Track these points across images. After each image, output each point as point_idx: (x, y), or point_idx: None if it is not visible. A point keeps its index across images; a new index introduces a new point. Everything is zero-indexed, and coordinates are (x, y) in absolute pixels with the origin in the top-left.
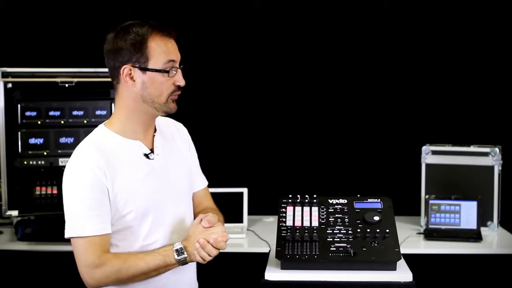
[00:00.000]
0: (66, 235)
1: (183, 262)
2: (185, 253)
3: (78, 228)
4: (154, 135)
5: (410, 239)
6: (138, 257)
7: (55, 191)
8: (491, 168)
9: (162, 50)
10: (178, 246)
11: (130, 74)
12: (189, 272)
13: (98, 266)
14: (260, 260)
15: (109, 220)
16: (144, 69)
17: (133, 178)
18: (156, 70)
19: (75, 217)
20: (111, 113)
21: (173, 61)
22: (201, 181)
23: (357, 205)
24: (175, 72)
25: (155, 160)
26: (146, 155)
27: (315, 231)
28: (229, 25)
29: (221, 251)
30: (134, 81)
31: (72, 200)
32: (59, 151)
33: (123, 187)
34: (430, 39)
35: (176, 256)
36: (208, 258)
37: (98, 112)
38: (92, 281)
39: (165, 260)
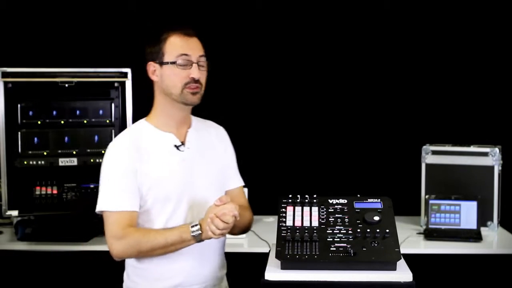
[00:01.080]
0: (97, 209)
1: (198, 239)
2: (199, 229)
3: (107, 202)
4: (188, 130)
5: (410, 239)
6: (158, 232)
7: (55, 191)
8: (491, 168)
9: (176, 45)
10: (194, 223)
11: (154, 70)
12: (210, 264)
13: (121, 238)
14: (260, 260)
15: (136, 199)
16: (161, 63)
17: (160, 166)
18: (169, 63)
19: (106, 193)
20: (110, 113)
21: (185, 55)
22: (236, 181)
23: (357, 205)
24: (185, 64)
25: (185, 152)
26: (177, 147)
27: (315, 231)
28: (229, 25)
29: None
30: (157, 76)
31: (105, 178)
32: (59, 151)
33: (149, 173)
34: (430, 39)
35: (191, 232)
36: (217, 232)
37: (98, 112)
38: (116, 251)
39: (182, 236)
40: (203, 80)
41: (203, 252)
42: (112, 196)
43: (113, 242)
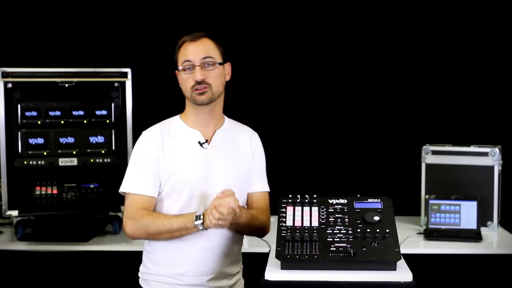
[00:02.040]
0: (120, 190)
1: (201, 228)
2: (202, 219)
3: (128, 184)
4: (216, 130)
5: (410, 239)
6: (166, 217)
7: (55, 191)
8: (491, 168)
9: (182, 52)
10: (198, 213)
11: (178, 78)
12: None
13: (134, 218)
14: (260, 260)
15: (155, 185)
16: (177, 71)
17: (181, 159)
18: (179, 70)
19: (128, 175)
20: (110, 113)
21: (188, 60)
22: (260, 185)
23: (357, 205)
24: (190, 69)
25: (208, 150)
26: (200, 144)
27: (315, 231)
28: (229, 25)
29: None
30: (179, 82)
31: (130, 162)
32: (59, 151)
33: (170, 163)
34: (430, 39)
35: (194, 221)
36: (213, 221)
37: (98, 112)
38: (128, 230)
39: (186, 223)
40: (210, 80)
41: (213, 245)
42: (133, 179)
43: (127, 222)
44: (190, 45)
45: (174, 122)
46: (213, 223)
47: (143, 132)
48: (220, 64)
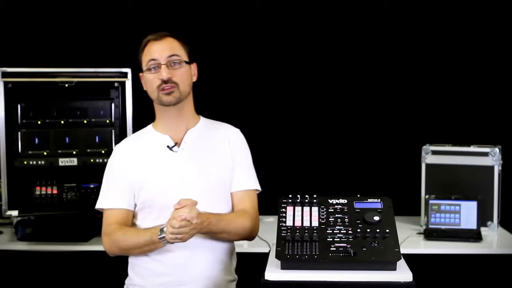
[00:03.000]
0: (96, 207)
1: (165, 242)
2: (164, 231)
3: (101, 201)
4: (186, 132)
5: (410, 239)
6: (134, 232)
7: (55, 191)
8: (491, 168)
9: (146, 53)
10: (163, 226)
11: (142, 80)
12: (200, 267)
13: (107, 234)
14: (260, 260)
15: (128, 198)
16: (142, 72)
17: (151, 168)
18: (143, 71)
19: (102, 192)
20: (110, 113)
21: (153, 60)
22: (242, 184)
23: (357, 205)
24: (155, 69)
25: (179, 153)
26: (170, 148)
27: (315, 231)
28: (229, 25)
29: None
30: (144, 84)
31: (104, 179)
32: (59, 151)
33: (141, 174)
34: (430, 39)
35: (158, 235)
36: (169, 236)
37: (98, 112)
38: (104, 246)
39: (152, 238)
40: (177, 78)
41: (191, 252)
42: (106, 195)
43: (103, 238)
44: (155, 44)
45: (145, 132)
46: (170, 238)
47: (115, 146)
48: (186, 63)
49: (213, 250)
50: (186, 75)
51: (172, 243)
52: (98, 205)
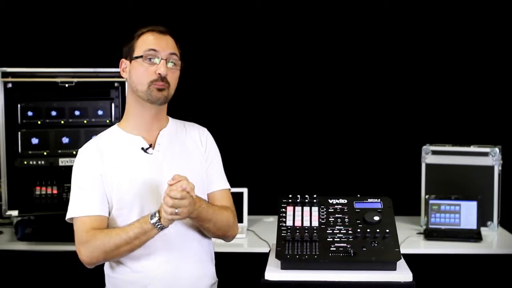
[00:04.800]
0: (66, 217)
1: (160, 227)
2: (157, 215)
3: (71, 210)
4: (159, 132)
5: (410, 239)
6: (120, 229)
7: (55, 191)
8: (491, 168)
9: (145, 41)
10: (153, 211)
11: (125, 67)
12: (189, 265)
13: (86, 242)
14: (260, 260)
15: (102, 203)
16: (130, 59)
17: (126, 171)
18: (136, 58)
19: (72, 200)
20: (110, 113)
21: (153, 50)
22: (219, 183)
23: (357, 205)
24: (153, 60)
25: (154, 155)
26: (144, 150)
27: (315, 231)
28: (229, 25)
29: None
30: (126, 72)
31: (72, 186)
32: (59, 151)
33: (114, 178)
34: (430, 39)
35: (150, 220)
36: (169, 210)
37: (98, 112)
38: (83, 257)
39: (142, 227)
40: (171, 79)
41: (177, 254)
42: (77, 202)
43: (80, 248)
44: (157, 36)
45: (111, 133)
46: (169, 212)
47: (79, 150)
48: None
49: (195, 251)
50: (176, 79)
51: (168, 225)
52: (70, 215)
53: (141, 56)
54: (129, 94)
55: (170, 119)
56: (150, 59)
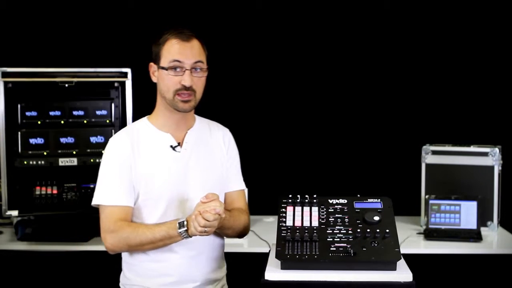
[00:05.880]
0: (92, 202)
1: (185, 236)
2: (185, 226)
3: (102, 196)
4: (187, 132)
5: (410, 239)
6: (147, 227)
7: (55, 191)
8: (491, 168)
9: (171, 50)
10: (181, 220)
11: (154, 71)
12: (202, 266)
13: (112, 231)
14: (260, 260)
15: (130, 194)
16: (158, 67)
17: (154, 165)
18: (162, 68)
19: (101, 186)
20: (111, 113)
21: (177, 61)
22: (236, 184)
23: (357, 205)
24: (177, 70)
25: (181, 153)
26: (173, 147)
27: (315, 231)
28: (229, 25)
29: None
30: (155, 77)
31: (101, 172)
32: (59, 151)
33: (143, 171)
34: (430, 39)
35: (178, 229)
36: (199, 229)
37: (98, 112)
38: (107, 245)
39: (169, 232)
40: (197, 87)
41: (196, 252)
42: (107, 190)
43: (106, 236)
44: (182, 44)
45: (142, 126)
46: (199, 230)
47: (110, 140)
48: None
49: (212, 248)
50: (203, 83)
51: (193, 236)
52: (99, 201)
53: (167, 68)
54: (158, 95)
55: (197, 117)
56: (174, 69)
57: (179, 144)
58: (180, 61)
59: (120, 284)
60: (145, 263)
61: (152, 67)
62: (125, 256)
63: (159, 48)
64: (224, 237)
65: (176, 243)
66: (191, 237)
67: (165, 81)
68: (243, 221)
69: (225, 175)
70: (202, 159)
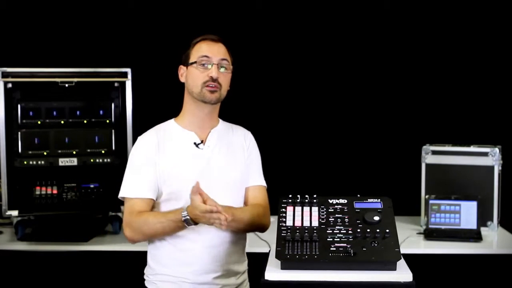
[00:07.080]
0: (119, 195)
1: (187, 222)
2: (187, 215)
3: (125, 190)
4: (210, 131)
5: (410, 239)
6: (155, 216)
7: (55, 191)
8: (491, 168)
9: (199, 49)
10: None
11: (182, 73)
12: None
13: (129, 223)
14: (260, 260)
15: (152, 188)
16: (187, 66)
17: (178, 161)
18: (191, 64)
19: (126, 180)
20: (110, 113)
21: (206, 56)
22: (256, 179)
23: (357, 205)
24: (206, 65)
25: (204, 151)
26: (196, 145)
27: (315, 231)
28: (229, 25)
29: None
30: (184, 77)
31: (127, 168)
32: (59, 151)
33: (166, 167)
34: (430, 39)
35: (182, 212)
36: (198, 210)
37: (98, 112)
38: (127, 234)
39: (176, 217)
40: (222, 81)
41: (216, 243)
42: (130, 184)
43: (125, 227)
44: (210, 43)
45: (169, 126)
46: (199, 210)
47: (139, 138)
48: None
49: (234, 239)
50: (228, 81)
51: (197, 221)
52: (123, 194)
53: (195, 62)
54: (186, 95)
55: (221, 120)
56: (203, 64)
57: (202, 141)
58: (208, 57)
59: (145, 276)
60: (168, 253)
61: (181, 69)
62: (150, 247)
63: (189, 51)
64: (246, 234)
65: (200, 234)
66: (196, 223)
67: (194, 75)
68: (261, 216)
69: (245, 174)
70: (223, 157)
